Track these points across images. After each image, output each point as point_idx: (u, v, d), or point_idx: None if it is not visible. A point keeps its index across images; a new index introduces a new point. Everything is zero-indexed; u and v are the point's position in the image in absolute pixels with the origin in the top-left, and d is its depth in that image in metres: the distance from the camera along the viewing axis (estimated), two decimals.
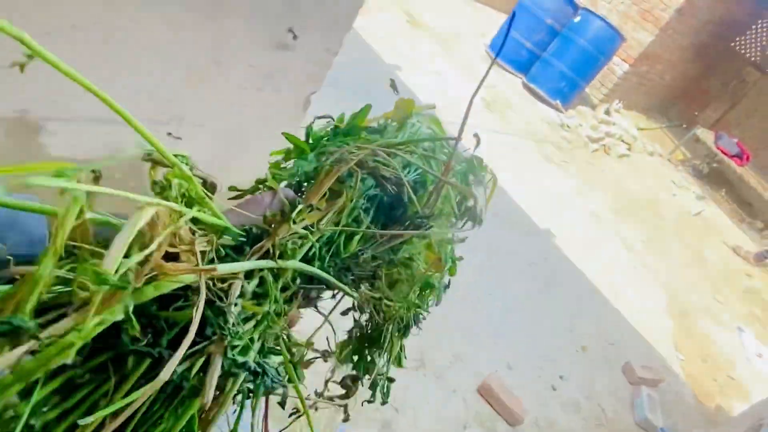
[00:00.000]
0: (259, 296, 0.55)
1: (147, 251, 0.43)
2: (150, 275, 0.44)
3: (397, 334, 0.77)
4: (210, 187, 0.57)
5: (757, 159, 9.78)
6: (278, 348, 0.59)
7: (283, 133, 0.72)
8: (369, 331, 0.77)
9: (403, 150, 0.73)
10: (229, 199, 0.66)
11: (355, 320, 0.77)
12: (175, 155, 0.50)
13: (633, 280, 4.80)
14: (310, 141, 0.75)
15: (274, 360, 0.57)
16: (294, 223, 0.60)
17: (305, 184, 0.73)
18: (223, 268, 0.49)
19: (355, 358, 0.78)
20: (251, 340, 0.52)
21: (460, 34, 7.92)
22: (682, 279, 5.42)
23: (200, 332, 0.45)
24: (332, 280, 0.63)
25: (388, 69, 5.47)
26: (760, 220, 8.62)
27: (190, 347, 0.43)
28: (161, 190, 0.49)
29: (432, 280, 0.79)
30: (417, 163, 0.73)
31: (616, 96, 8.46)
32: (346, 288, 0.66)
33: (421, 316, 0.80)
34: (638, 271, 5.00)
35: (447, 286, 0.83)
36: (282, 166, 0.73)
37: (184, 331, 0.44)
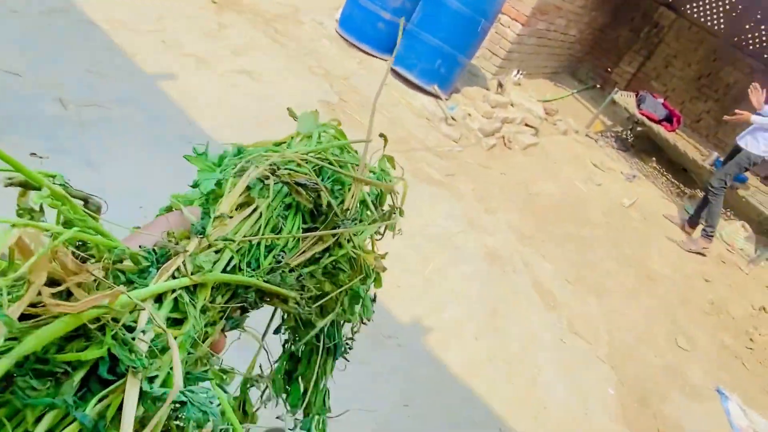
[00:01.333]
0: (175, 322, 0.47)
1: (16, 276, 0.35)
2: (37, 318, 0.36)
3: (327, 355, 0.70)
4: (93, 207, 0.49)
5: (684, 113, 8.43)
6: (205, 372, 0.49)
7: (184, 156, 0.69)
8: (299, 354, 0.70)
9: (315, 156, 0.69)
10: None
11: (284, 343, 0.69)
12: (45, 175, 0.43)
13: (563, 368, 3.07)
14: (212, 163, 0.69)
15: (204, 389, 0.45)
16: (205, 235, 0.53)
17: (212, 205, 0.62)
18: (124, 297, 0.41)
19: (287, 384, 0.70)
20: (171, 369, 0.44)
21: (301, 9, 5.92)
22: (628, 330, 3.77)
23: (113, 371, 0.39)
24: (262, 283, 0.55)
25: (148, 81, 3.42)
26: (699, 188, 7.25)
27: (103, 387, 0.38)
28: (31, 216, 0.44)
29: (359, 290, 0.71)
30: (331, 167, 0.68)
31: (514, 65, 6.76)
32: (282, 290, 0.57)
33: (352, 331, 0.75)
34: (568, 347, 3.28)
35: (374, 299, 0.76)
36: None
37: (93, 371, 0.39)
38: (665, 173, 7.30)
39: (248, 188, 0.60)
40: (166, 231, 0.51)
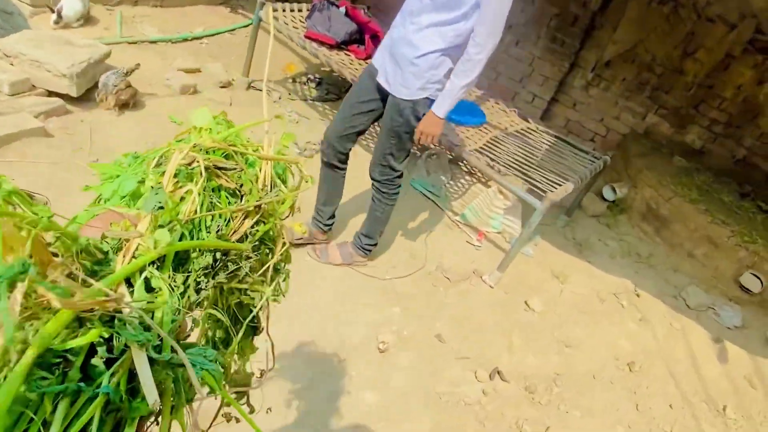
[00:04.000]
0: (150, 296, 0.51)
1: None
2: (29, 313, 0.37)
3: (251, 332, 0.74)
4: (40, 204, 0.49)
5: None
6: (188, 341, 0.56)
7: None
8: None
9: (224, 143, 0.71)
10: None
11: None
12: None
13: None
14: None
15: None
16: (166, 210, 0.56)
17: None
18: (110, 280, 0.45)
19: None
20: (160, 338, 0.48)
21: None
22: None
23: (110, 352, 0.43)
24: (224, 243, 0.60)
25: None
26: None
27: (107, 366, 0.41)
28: None
29: (279, 266, 0.75)
30: (241, 150, 0.71)
31: None
32: (240, 245, 0.63)
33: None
34: None
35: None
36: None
37: (91, 354, 0.41)
38: None
39: (174, 175, 0.61)
40: (109, 222, 0.52)
